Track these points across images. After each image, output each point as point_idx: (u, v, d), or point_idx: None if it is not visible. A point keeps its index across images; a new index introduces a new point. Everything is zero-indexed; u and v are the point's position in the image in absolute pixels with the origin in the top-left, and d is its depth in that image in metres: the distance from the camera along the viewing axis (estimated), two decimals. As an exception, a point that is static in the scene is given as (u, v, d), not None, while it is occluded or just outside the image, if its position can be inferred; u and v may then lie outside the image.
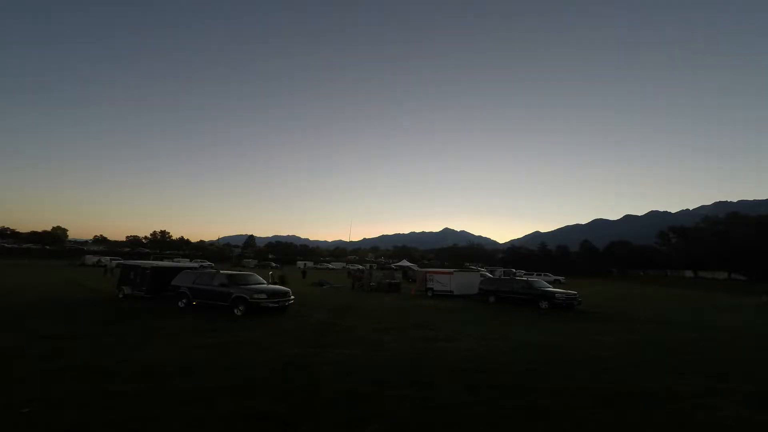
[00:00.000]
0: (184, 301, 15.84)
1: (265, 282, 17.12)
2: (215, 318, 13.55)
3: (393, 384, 6.65)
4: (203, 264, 40.01)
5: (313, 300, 20.94)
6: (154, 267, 18.81)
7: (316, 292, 26.03)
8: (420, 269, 41.29)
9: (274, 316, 14.15)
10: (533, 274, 51.38)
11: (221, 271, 16.68)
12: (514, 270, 59.48)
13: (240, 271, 21.45)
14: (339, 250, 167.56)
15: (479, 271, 40.38)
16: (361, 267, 65.65)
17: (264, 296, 14.69)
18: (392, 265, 68.22)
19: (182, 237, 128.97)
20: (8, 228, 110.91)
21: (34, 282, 27.13)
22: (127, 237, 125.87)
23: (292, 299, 16.04)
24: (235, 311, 14.32)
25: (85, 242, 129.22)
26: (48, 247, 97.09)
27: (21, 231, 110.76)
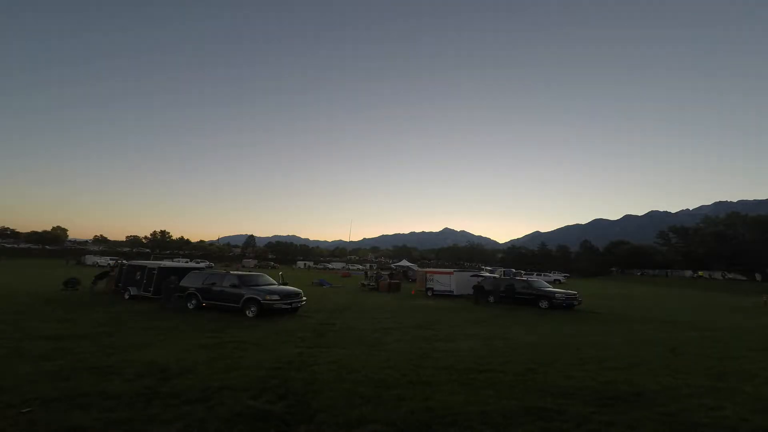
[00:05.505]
0: (193, 302, 15.53)
1: (275, 282, 16.91)
2: (217, 318, 13.54)
3: (393, 384, 6.64)
4: (210, 264, 40.22)
5: (312, 300, 20.93)
6: (162, 267, 18.41)
7: (316, 292, 26.00)
8: (420, 269, 41.27)
9: (275, 317, 14.11)
10: (533, 274, 51.43)
11: (231, 272, 16.33)
12: (513, 270, 59.48)
13: (241, 271, 21.33)
14: (339, 250, 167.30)
15: (482, 270, 40.38)
16: (348, 267, 71.24)
17: (277, 297, 14.51)
18: (392, 265, 68.63)
19: (182, 237, 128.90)
20: (8, 228, 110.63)
21: (33, 282, 27.10)
22: (127, 237, 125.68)
23: (305, 300, 15.88)
24: (247, 313, 14.08)
25: (86, 242, 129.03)
26: (48, 247, 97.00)
27: (21, 231, 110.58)
